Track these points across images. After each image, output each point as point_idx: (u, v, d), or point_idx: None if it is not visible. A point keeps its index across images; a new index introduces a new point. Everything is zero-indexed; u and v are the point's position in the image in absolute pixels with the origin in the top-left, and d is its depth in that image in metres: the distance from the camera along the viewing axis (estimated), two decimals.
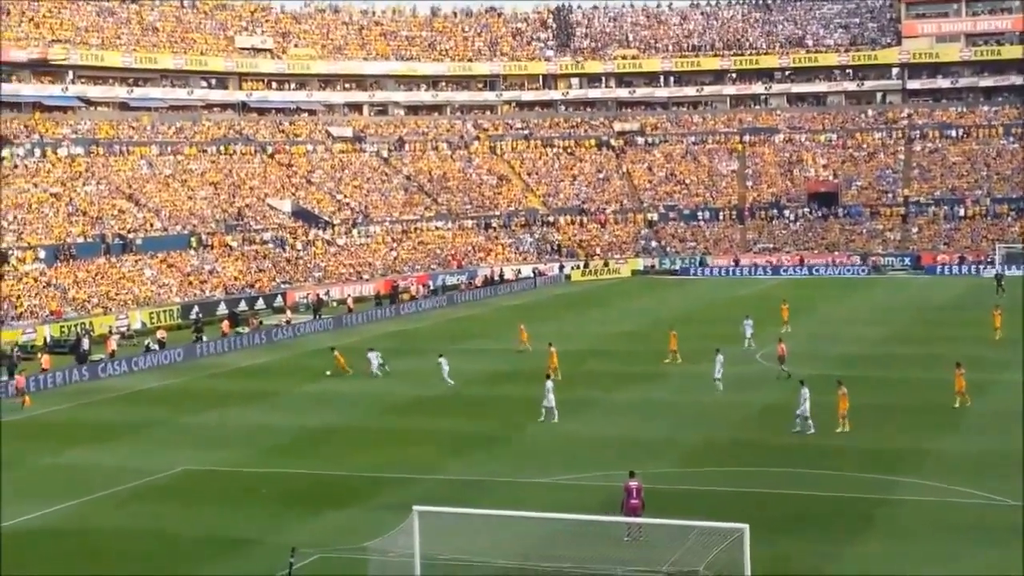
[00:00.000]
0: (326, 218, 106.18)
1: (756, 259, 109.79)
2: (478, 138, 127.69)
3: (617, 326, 74.38)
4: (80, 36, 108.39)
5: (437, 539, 26.61)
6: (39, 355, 65.79)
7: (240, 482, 39.64)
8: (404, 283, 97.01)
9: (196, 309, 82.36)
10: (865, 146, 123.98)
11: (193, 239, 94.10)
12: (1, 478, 40.96)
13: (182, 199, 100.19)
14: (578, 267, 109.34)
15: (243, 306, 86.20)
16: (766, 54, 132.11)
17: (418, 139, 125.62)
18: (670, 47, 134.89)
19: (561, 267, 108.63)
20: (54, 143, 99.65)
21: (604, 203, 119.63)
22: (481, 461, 41.07)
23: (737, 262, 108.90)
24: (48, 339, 72.71)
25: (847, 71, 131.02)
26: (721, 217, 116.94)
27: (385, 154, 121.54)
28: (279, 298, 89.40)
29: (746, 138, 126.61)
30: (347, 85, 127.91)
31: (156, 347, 68.52)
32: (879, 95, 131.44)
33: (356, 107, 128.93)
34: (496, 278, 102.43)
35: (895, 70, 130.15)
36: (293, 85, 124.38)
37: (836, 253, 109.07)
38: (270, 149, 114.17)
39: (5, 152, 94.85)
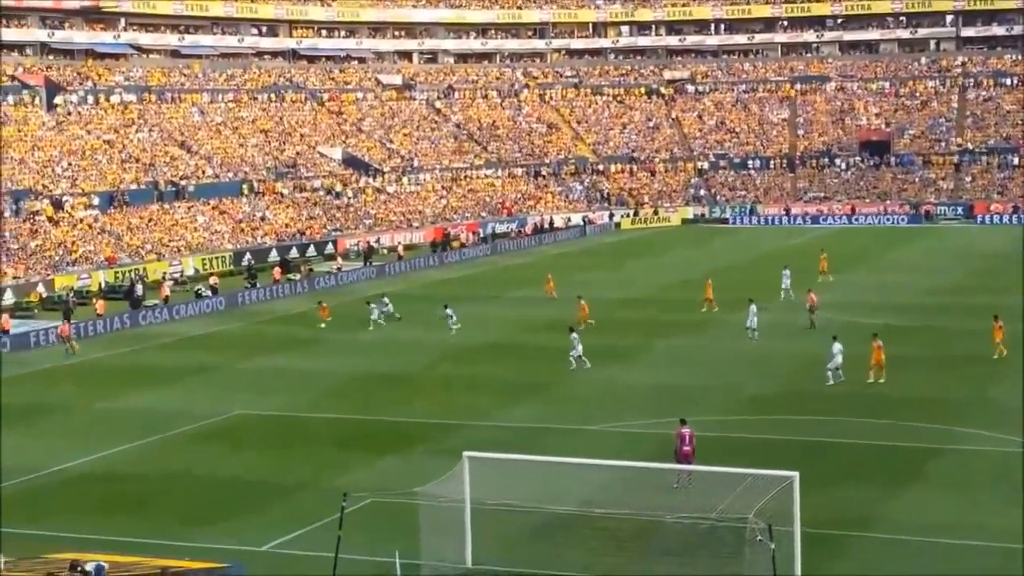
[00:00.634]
0: (376, 166, 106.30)
1: (807, 208, 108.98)
2: (527, 86, 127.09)
3: (665, 275, 74.20)
4: None
5: (486, 486, 26.77)
6: (94, 300, 66.42)
7: (294, 427, 40.04)
8: (454, 231, 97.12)
9: (248, 256, 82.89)
10: (918, 94, 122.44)
11: (245, 186, 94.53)
12: (55, 422, 41.60)
13: (233, 146, 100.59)
14: (628, 215, 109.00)
15: (294, 253, 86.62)
16: (818, 1, 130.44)
17: (467, 87, 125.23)
18: None
19: (611, 215, 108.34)
20: (107, 90, 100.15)
21: (654, 151, 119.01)
22: (530, 409, 41.27)
23: (787, 211, 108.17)
24: (103, 285, 73.45)
25: (900, 18, 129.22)
26: (771, 166, 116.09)
27: (435, 102, 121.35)
28: (330, 245, 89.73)
29: (797, 86, 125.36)
30: (397, 33, 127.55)
31: (208, 293, 69.05)
32: (932, 43, 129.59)
33: (406, 55, 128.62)
34: (546, 226, 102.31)
35: (949, 17, 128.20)
36: (343, 33, 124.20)
37: (887, 202, 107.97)
38: (321, 97, 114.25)
39: (58, 100, 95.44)
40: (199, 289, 70.28)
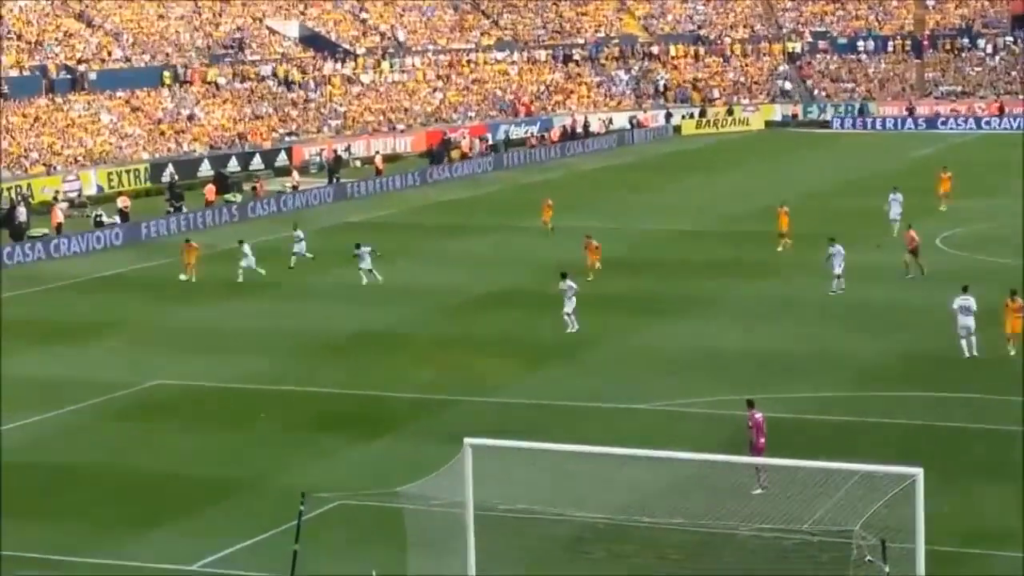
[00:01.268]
0: (345, 46, 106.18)
1: (938, 107, 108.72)
2: None
3: (738, 200, 74.14)
4: None
5: (495, 484, 26.92)
6: None
7: (231, 402, 40.31)
8: (453, 136, 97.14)
9: (170, 169, 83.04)
10: None
11: (166, 73, 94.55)
12: None
13: (150, 19, 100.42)
14: (691, 116, 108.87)
15: (233, 166, 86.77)
16: None
17: None
18: None
19: (668, 116, 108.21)
20: None
21: (728, 27, 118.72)
22: (552, 381, 41.47)
23: (911, 111, 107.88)
24: None
25: None
26: (891, 48, 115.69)
27: None
28: (282, 155, 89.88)
29: None
30: None
31: (116, 220, 69.31)
32: None
33: None
34: (578, 130, 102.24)
35: None
36: None
37: None
38: None
39: None
40: (99, 215, 70.41)
